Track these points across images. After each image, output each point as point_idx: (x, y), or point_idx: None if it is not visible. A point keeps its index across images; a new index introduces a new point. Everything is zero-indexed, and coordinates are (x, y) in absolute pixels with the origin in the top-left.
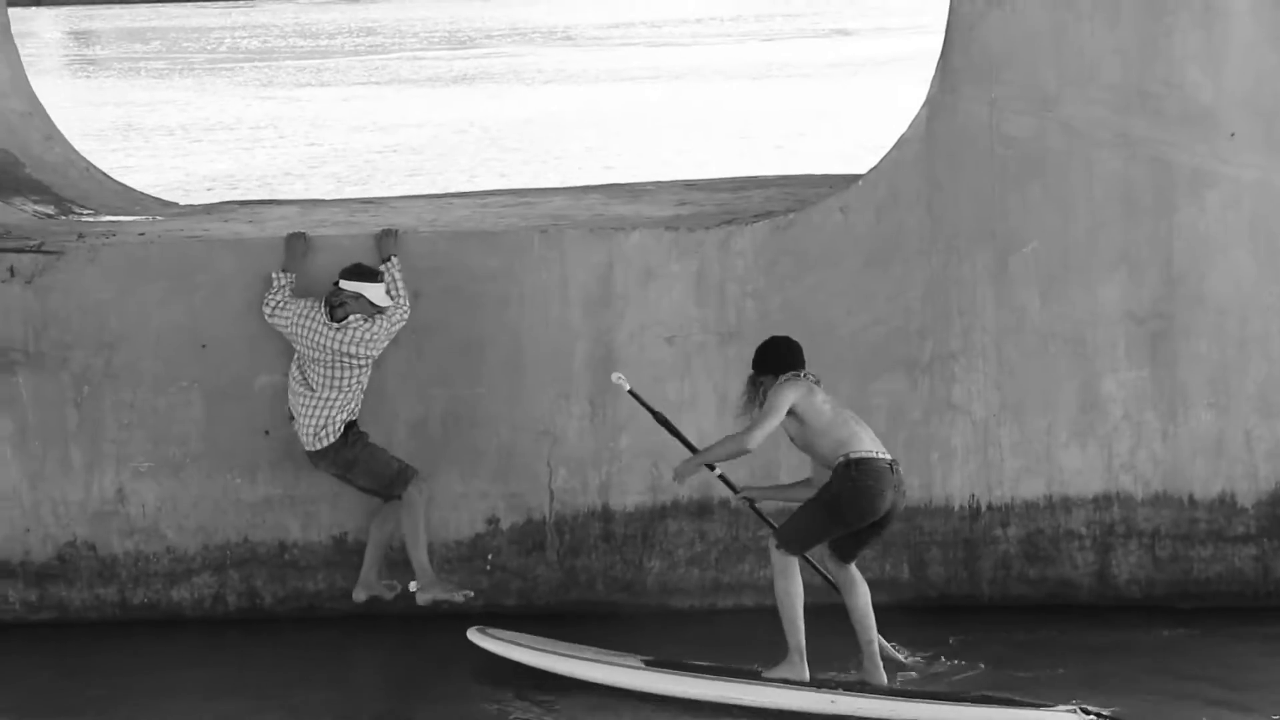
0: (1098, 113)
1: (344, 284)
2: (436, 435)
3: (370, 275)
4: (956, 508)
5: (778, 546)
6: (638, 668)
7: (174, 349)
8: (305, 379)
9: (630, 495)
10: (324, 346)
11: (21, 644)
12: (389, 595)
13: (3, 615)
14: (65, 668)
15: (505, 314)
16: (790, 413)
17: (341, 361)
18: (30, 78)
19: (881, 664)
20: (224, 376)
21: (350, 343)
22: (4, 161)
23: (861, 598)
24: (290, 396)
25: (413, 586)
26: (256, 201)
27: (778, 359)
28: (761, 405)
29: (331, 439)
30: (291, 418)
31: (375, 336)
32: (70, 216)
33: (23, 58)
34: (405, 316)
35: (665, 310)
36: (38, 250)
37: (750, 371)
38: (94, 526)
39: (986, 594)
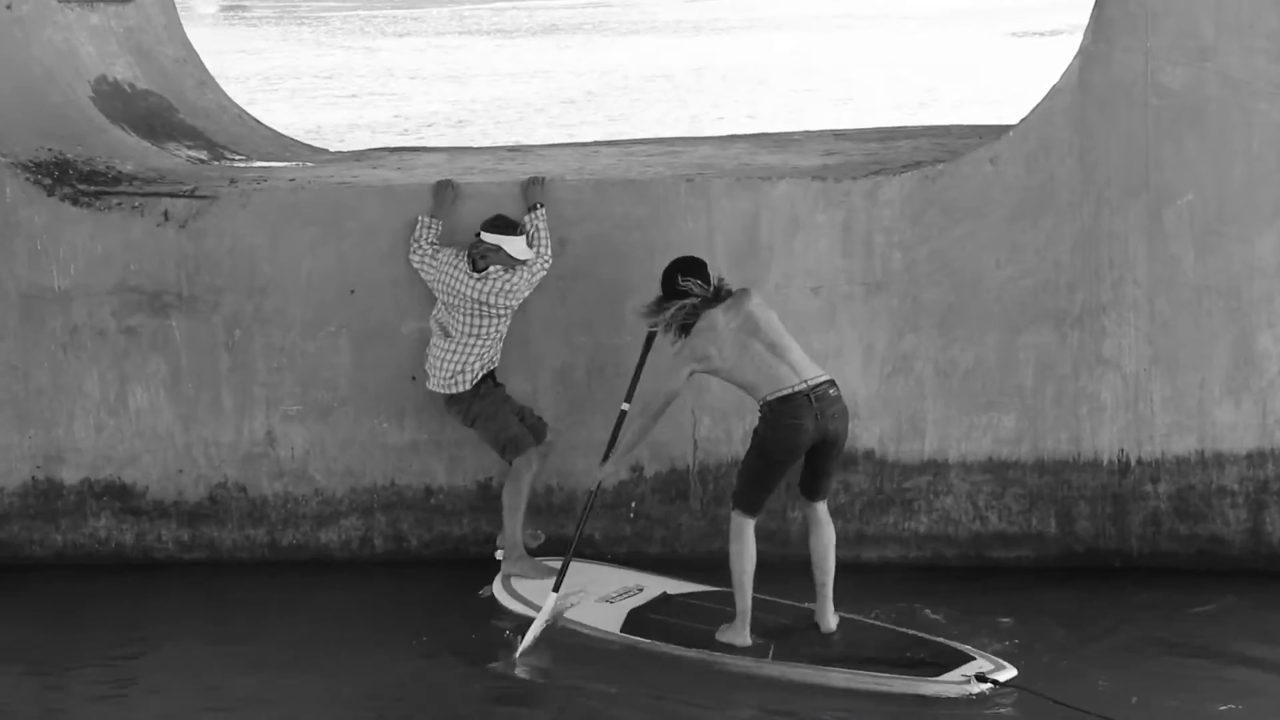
0: (1257, 62)
1: (485, 235)
2: (581, 383)
3: (510, 228)
4: (1105, 463)
5: (733, 508)
6: (614, 635)
7: (323, 294)
8: (444, 326)
9: None
10: (465, 295)
11: (175, 582)
12: (533, 544)
13: (156, 554)
14: (216, 603)
15: (651, 262)
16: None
17: (481, 310)
18: (184, 25)
19: (831, 608)
20: (371, 321)
21: (490, 293)
22: (158, 107)
23: (823, 538)
24: (431, 343)
25: (498, 555)
26: (405, 148)
27: (670, 283)
28: (672, 332)
29: (464, 387)
30: (427, 362)
31: (515, 288)
32: (223, 162)
33: (176, 5)
34: (547, 266)
35: (811, 260)
36: (191, 195)
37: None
38: (244, 468)
39: (1135, 551)
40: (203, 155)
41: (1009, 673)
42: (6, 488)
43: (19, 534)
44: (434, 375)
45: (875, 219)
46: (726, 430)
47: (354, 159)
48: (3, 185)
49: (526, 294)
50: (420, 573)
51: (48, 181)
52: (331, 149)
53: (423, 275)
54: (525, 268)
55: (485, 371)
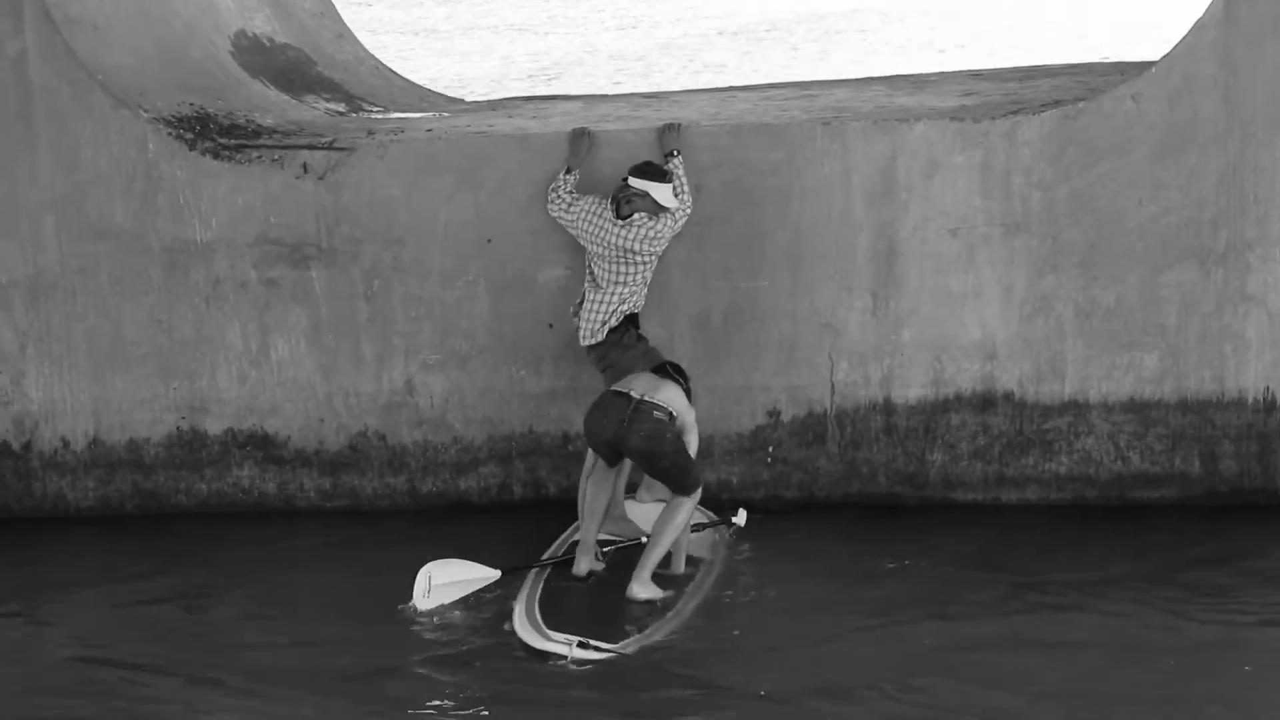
0: None
1: (632, 181)
2: (718, 328)
3: (659, 174)
4: (1250, 401)
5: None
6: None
7: (460, 244)
8: (593, 274)
9: (912, 388)
10: (609, 243)
11: (317, 528)
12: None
13: (298, 502)
14: (353, 548)
15: (787, 207)
16: None
17: (625, 257)
18: None
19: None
20: (508, 271)
21: (634, 239)
22: (296, 60)
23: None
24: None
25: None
26: (541, 97)
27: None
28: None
29: (601, 337)
30: (575, 314)
31: (659, 234)
32: (360, 114)
33: None
34: (688, 213)
35: (949, 202)
36: (330, 147)
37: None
38: (384, 417)
39: None
40: (340, 107)
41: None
42: (152, 438)
43: (165, 484)
44: (583, 327)
45: (1014, 159)
46: (864, 373)
47: (490, 108)
48: (145, 140)
49: (669, 240)
50: (561, 518)
51: (189, 136)
52: (467, 99)
53: (564, 224)
54: (669, 214)
55: (626, 318)
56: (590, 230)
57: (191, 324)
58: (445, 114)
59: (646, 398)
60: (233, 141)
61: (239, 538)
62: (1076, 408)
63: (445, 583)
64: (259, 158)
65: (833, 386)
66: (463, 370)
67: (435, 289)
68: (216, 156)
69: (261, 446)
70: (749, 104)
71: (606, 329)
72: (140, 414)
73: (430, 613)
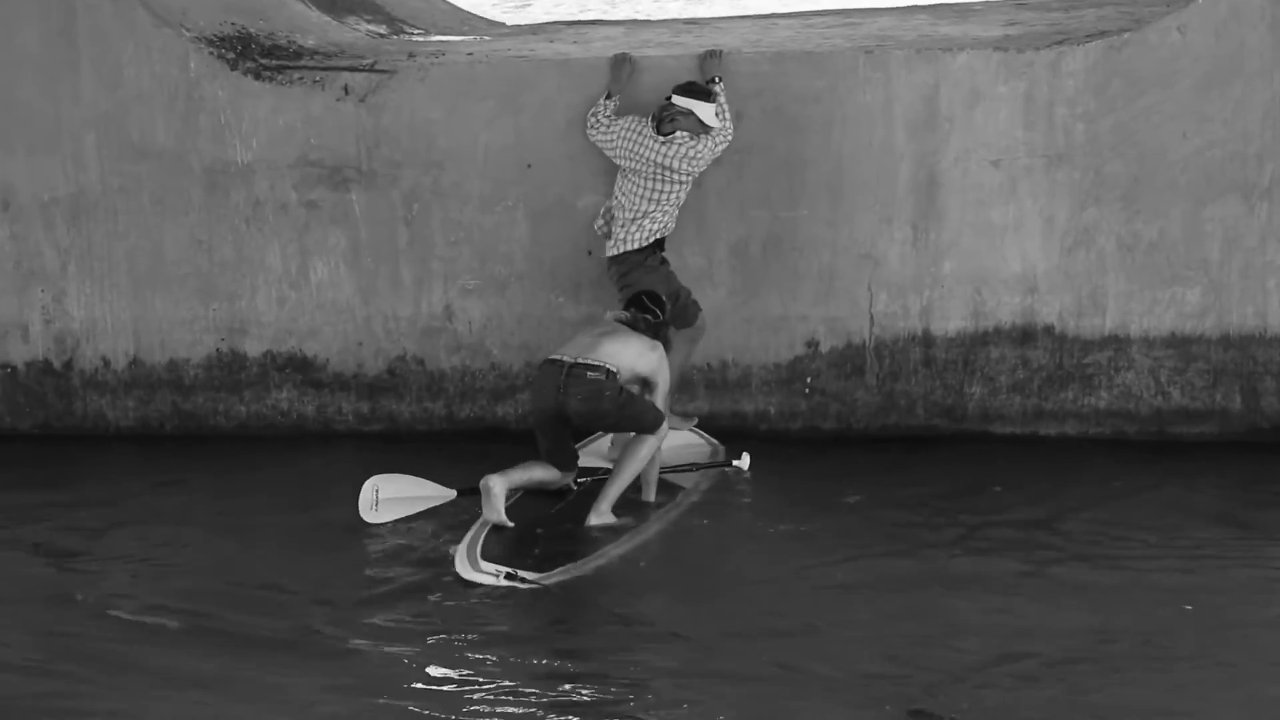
0: None
1: (676, 99)
2: (756, 257)
3: (704, 94)
4: None
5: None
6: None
7: (500, 168)
8: (623, 190)
9: (952, 320)
10: (647, 159)
11: (354, 452)
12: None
13: (336, 425)
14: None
15: (828, 136)
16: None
17: (662, 175)
18: None
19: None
20: (548, 196)
21: (674, 157)
22: None
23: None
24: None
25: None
26: (582, 22)
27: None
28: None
29: (630, 246)
30: (603, 224)
31: (699, 155)
32: (401, 36)
33: None
34: (729, 138)
35: (991, 133)
36: (370, 69)
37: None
38: (422, 342)
39: None
40: (382, 29)
41: (540, 576)
42: (192, 359)
43: (204, 405)
44: (615, 235)
45: (1058, 90)
46: (904, 305)
47: (531, 33)
48: (187, 59)
49: (707, 164)
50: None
51: (231, 56)
52: (509, 23)
53: (602, 146)
54: (709, 136)
55: (655, 238)
56: (628, 147)
57: (231, 245)
58: (486, 37)
59: (580, 359)
60: (274, 62)
61: (278, 459)
62: (1117, 342)
63: (392, 497)
64: (300, 79)
65: (871, 318)
66: (501, 296)
67: (474, 214)
68: (258, 77)
69: (300, 369)
70: (791, 31)
71: (635, 241)
72: (180, 334)
73: (379, 526)
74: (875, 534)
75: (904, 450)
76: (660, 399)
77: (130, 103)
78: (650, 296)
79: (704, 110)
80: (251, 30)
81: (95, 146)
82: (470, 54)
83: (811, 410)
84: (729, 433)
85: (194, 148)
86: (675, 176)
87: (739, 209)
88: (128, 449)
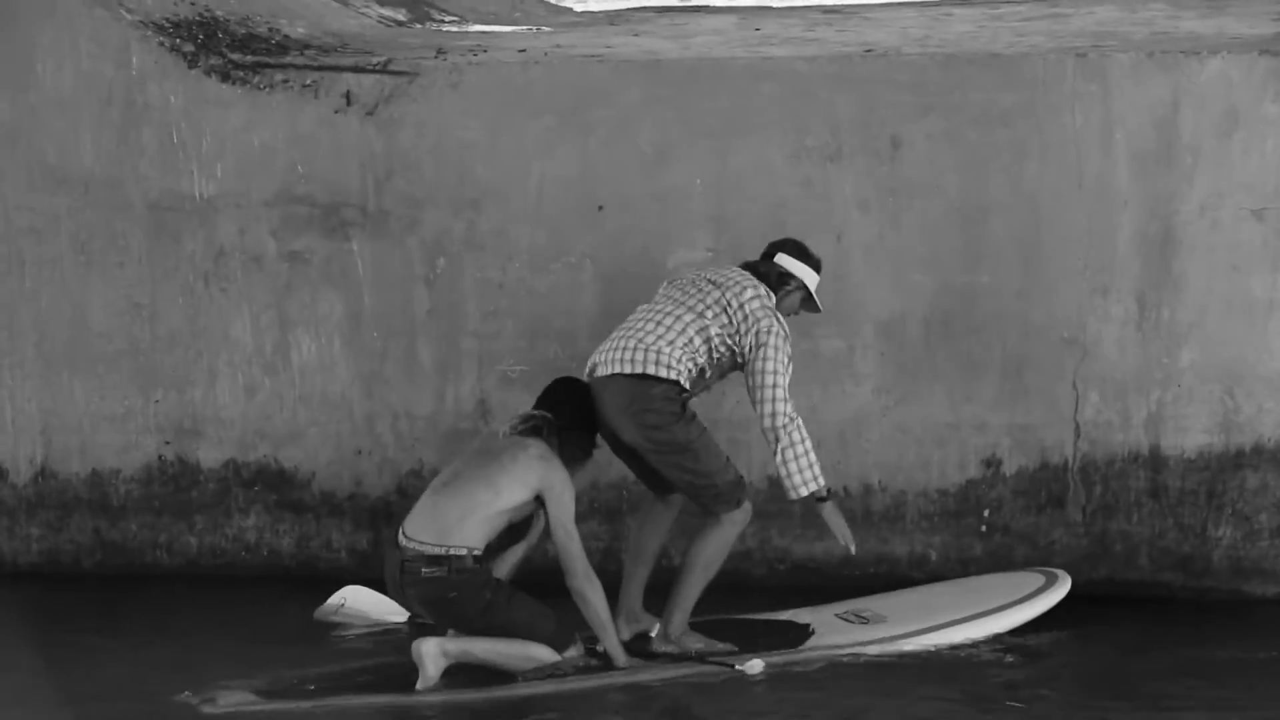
0: None
1: (783, 260)
2: (915, 338)
3: (814, 261)
4: None
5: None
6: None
7: (560, 211)
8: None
9: (1191, 434)
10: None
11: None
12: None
13: (320, 564)
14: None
15: (1020, 171)
16: None
17: (733, 314)
18: None
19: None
20: (625, 249)
21: (760, 310)
22: None
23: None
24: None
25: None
26: (681, 8)
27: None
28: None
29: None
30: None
31: (772, 342)
32: (428, 25)
33: None
34: (781, 348)
35: (1254, 171)
36: (383, 71)
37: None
38: (447, 449)
39: None
40: (400, 15)
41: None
42: (124, 471)
43: (139, 535)
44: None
45: None
46: (1123, 410)
47: (608, 22)
48: (127, 53)
49: (770, 376)
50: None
51: (189, 49)
52: (578, 8)
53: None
54: (781, 332)
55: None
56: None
57: (183, 311)
58: (546, 28)
59: (415, 543)
60: (249, 58)
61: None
62: None
63: (357, 611)
64: (284, 82)
65: (1077, 427)
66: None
67: (523, 272)
68: (226, 78)
69: (275, 487)
70: (972, 25)
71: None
72: (108, 436)
73: (332, 626)
74: None
75: (1124, 615)
76: (559, 526)
77: (45, 111)
78: (564, 386)
79: (812, 282)
80: (219, 13)
81: None
82: (523, 51)
83: (989, 555)
84: (872, 582)
85: (133, 174)
86: (742, 326)
87: (893, 273)
88: (28, 593)
